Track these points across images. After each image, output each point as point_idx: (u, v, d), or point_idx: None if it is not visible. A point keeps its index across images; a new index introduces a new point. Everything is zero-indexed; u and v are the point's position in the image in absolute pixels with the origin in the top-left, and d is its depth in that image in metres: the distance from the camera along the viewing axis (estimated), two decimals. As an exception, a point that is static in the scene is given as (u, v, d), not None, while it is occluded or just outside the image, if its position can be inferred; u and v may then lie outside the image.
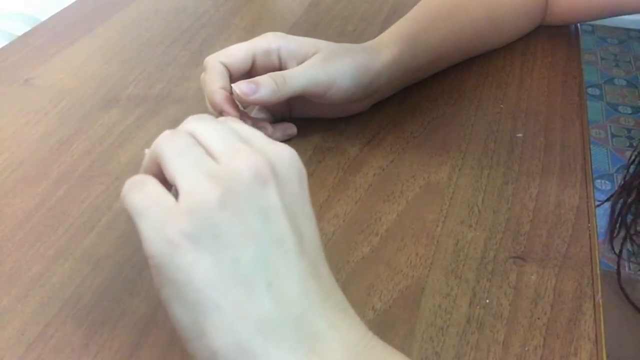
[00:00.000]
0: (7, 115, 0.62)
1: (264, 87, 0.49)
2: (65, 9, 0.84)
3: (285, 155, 0.32)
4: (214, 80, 0.51)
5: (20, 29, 0.86)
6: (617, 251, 0.75)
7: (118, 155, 0.57)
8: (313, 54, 0.54)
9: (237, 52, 0.52)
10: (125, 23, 0.80)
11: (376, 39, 0.60)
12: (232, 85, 0.49)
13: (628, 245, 0.75)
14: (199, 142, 0.32)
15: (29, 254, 0.47)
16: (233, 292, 0.28)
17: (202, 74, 0.53)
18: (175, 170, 0.31)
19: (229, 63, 0.52)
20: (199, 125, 0.33)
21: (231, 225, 0.29)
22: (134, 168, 0.55)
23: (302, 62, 0.53)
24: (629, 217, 0.75)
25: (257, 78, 0.50)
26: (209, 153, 0.31)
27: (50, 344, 0.40)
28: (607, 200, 0.79)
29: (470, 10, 0.66)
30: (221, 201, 0.29)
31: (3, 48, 0.75)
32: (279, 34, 0.54)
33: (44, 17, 0.82)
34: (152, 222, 0.29)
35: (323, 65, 0.53)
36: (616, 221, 0.76)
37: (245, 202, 0.29)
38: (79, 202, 0.51)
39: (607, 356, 0.40)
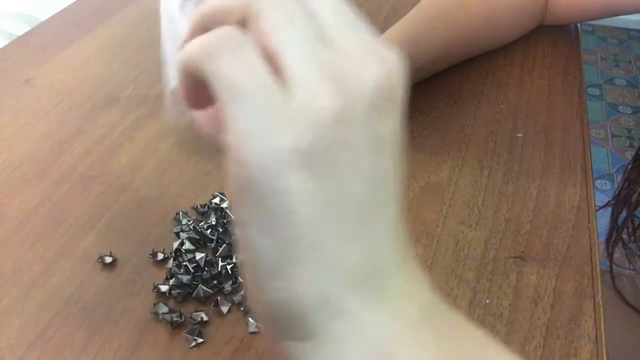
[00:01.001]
0: (7, 115, 0.62)
1: None
2: (65, 9, 0.84)
3: (400, 70, 0.25)
4: None
5: (20, 29, 0.86)
6: (612, 255, 0.75)
7: (118, 155, 0.57)
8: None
9: None
10: (125, 23, 0.80)
11: (376, 39, 0.60)
12: None
13: (623, 248, 0.75)
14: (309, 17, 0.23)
15: (29, 254, 0.47)
16: (331, 233, 0.23)
17: None
18: (287, 44, 0.22)
19: None
20: None
21: (345, 151, 0.22)
22: (133, 168, 0.55)
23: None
24: (621, 218, 0.75)
25: None
26: (322, 34, 0.23)
27: (50, 344, 0.40)
28: (605, 205, 0.79)
29: (470, 11, 0.66)
30: (340, 115, 0.22)
31: (3, 48, 0.75)
32: None
33: (44, 17, 0.82)
34: (255, 116, 0.21)
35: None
36: (613, 227, 0.76)
37: (363, 125, 0.23)
38: (79, 202, 0.51)
39: (607, 356, 0.40)
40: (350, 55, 0.23)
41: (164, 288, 0.43)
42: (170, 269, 0.45)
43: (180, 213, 0.49)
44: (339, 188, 0.23)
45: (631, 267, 0.77)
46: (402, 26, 0.62)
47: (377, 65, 0.23)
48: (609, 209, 0.78)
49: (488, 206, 0.51)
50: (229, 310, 0.42)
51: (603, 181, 1.84)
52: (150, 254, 0.46)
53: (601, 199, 1.00)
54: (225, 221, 0.49)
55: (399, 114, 0.25)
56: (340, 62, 0.23)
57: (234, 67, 0.22)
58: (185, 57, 0.23)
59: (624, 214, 0.76)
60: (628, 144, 2.02)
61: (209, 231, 0.47)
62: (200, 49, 0.22)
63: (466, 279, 0.44)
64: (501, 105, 0.63)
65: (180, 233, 0.48)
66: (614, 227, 0.76)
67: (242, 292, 0.43)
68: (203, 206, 0.50)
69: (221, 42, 0.22)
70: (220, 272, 0.44)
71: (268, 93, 0.22)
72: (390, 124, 0.24)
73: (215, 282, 0.44)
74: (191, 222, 0.49)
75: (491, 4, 0.67)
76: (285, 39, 0.22)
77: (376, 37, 0.25)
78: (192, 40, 0.23)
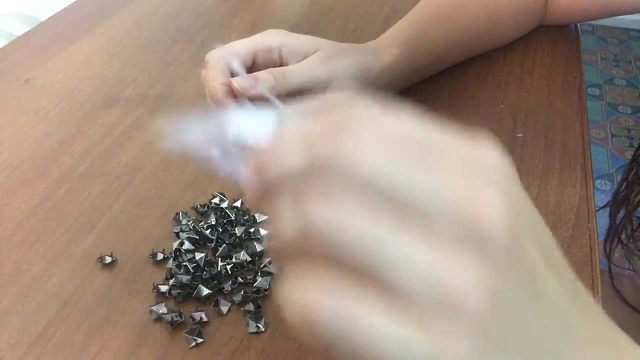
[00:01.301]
0: (7, 115, 0.62)
1: (263, 83, 0.49)
2: (65, 9, 0.84)
3: (509, 166, 0.20)
4: (216, 76, 0.51)
5: (20, 29, 0.86)
6: (611, 255, 0.75)
7: (118, 155, 0.57)
8: (314, 52, 0.54)
9: (239, 49, 0.52)
10: (125, 23, 0.80)
11: (377, 39, 0.60)
12: (231, 79, 0.49)
13: (622, 248, 0.75)
14: (381, 192, 0.18)
15: (29, 254, 0.47)
16: None
17: (203, 71, 0.53)
18: (384, 270, 0.18)
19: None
20: (361, 157, 0.18)
21: (508, 327, 0.19)
22: (133, 168, 0.55)
23: (303, 59, 0.53)
24: (619, 218, 0.75)
25: (257, 73, 0.50)
26: (404, 208, 0.18)
27: (50, 344, 0.40)
28: (605, 206, 0.79)
29: (470, 11, 0.66)
30: (490, 291, 0.18)
31: (3, 48, 0.75)
32: (281, 31, 0.54)
33: (44, 17, 0.83)
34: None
35: (323, 64, 0.53)
36: (612, 227, 0.76)
37: (518, 278, 0.19)
38: (79, 202, 0.51)
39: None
40: (450, 206, 0.18)
41: (163, 288, 0.43)
42: (170, 269, 0.45)
43: (180, 213, 0.49)
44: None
45: (630, 268, 0.77)
46: (402, 26, 0.62)
47: (487, 192, 0.18)
48: (609, 209, 0.78)
49: (488, 206, 0.51)
50: (229, 310, 0.42)
51: (603, 181, 1.84)
52: (150, 254, 0.46)
53: (601, 199, 1.00)
54: (225, 221, 0.49)
55: (536, 226, 0.20)
56: (445, 225, 0.18)
57: (340, 320, 0.18)
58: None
59: (622, 213, 0.76)
60: (628, 144, 2.02)
61: (208, 231, 0.47)
62: (291, 303, 0.19)
63: (466, 279, 0.44)
64: (501, 105, 0.63)
65: (180, 233, 0.48)
66: (613, 227, 0.76)
67: (242, 292, 0.43)
68: (203, 206, 0.50)
69: (301, 289, 0.18)
70: (220, 272, 0.44)
71: (410, 338, 0.18)
72: (536, 249, 0.20)
73: (215, 282, 0.44)
74: (191, 222, 0.49)
75: (491, 4, 0.67)
76: (377, 263, 0.18)
77: (451, 134, 0.20)
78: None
